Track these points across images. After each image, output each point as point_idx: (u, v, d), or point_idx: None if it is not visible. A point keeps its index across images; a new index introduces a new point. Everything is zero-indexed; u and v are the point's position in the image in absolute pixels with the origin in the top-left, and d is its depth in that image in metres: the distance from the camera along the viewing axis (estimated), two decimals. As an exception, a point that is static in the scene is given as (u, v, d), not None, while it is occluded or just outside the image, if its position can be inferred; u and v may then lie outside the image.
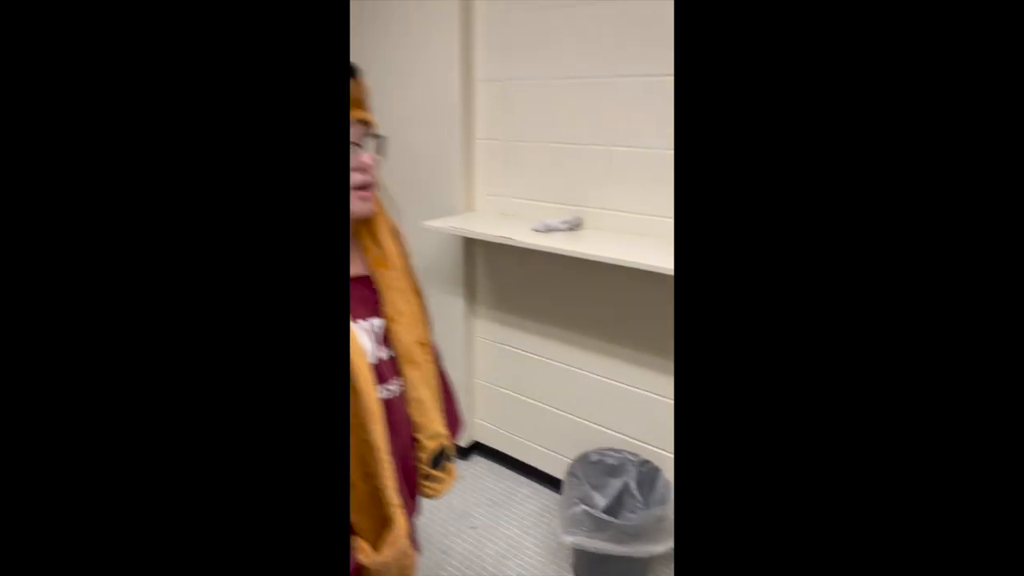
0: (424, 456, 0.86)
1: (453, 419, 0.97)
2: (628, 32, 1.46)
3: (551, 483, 2.05)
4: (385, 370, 0.80)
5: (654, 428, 1.71)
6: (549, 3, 1.57)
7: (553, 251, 1.50)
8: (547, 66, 1.62)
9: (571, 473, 1.68)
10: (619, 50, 1.49)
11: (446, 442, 0.89)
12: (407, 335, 0.80)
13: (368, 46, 1.93)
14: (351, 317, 0.75)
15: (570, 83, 1.59)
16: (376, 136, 0.72)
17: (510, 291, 1.90)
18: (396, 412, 0.80)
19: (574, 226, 1.62)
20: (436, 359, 0.91)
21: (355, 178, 0.69)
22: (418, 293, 0.84)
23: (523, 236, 1.56)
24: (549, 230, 1.60)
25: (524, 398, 2.01)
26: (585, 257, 1.44)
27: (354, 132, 0.68)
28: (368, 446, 0.72)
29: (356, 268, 0.79)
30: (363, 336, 0.77)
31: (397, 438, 0.80)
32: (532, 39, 1.63)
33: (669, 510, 1.51)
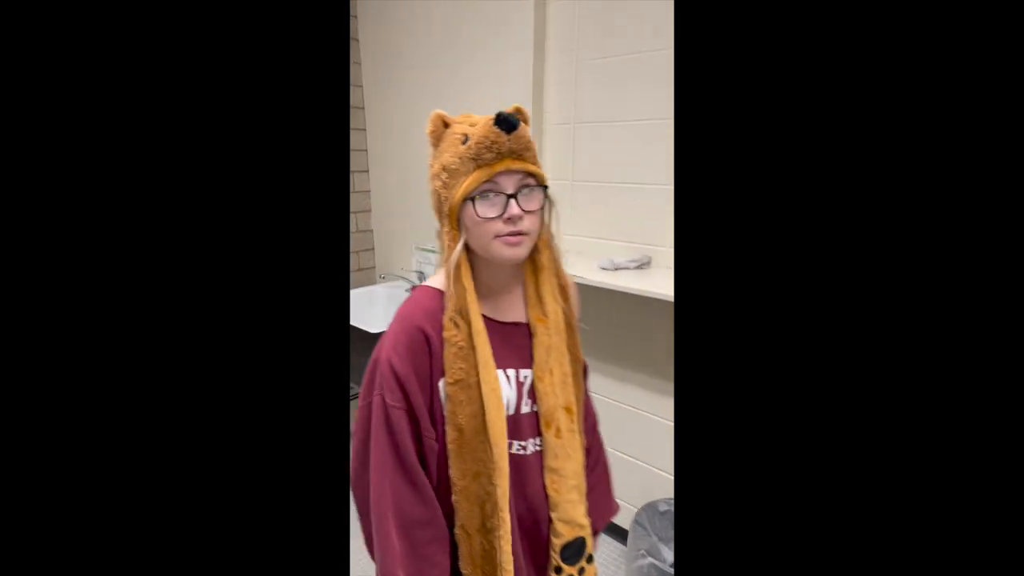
0: (557, 543, 0.77)
1: (600, 506, 0.87)
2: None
3: (616, 533, 1.95)
4: (525, 425, 0.76)
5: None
6: (617, 50, 1.60)
7: (622, 290, 1.48)
8: (613, 109, 1.64)
9: (637, 523, 1.60)
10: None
11: (584, 533, 0.78)
12: (552, 397, 0.75)
13: (444, 86, 2.04)
14: (499, 364, 0.73)
15: (636, 124, 1.60)
16: (540, 187, 0.72)
17: (584, 332, 1.88)
18: (530, 472, 0.76)
19: (643, 264, 1.59)
20: (588, 431, 0.85)
21: (503, 227, 0.69)
22: (576, 357, 0.80)
23: (590, 274, 1.55)
24: (617, 268, 1.58)
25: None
26: (656, 296, 1.41)
27: (510, 182, 0.69)
28: (490, 498, 0.70)
29: (515, 315, 0.77)
30: (505, 385, 0.74)
31: (523, 500, 0.76)
32: (600, 82, 1.66)
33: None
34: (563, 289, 0.78)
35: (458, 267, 0.71)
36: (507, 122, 0.66)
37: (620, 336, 1.77)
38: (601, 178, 1.71)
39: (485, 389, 0.70)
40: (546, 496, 0.77)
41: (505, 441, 0.72)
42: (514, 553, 0.74)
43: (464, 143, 0.68)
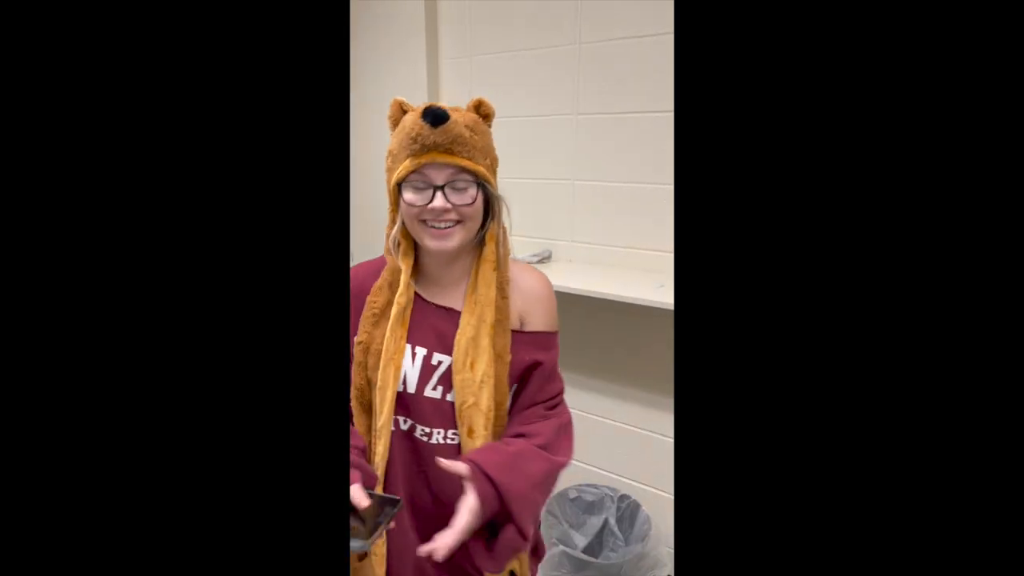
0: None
1: (506, 539, 0.69)
2: (590, 72, 1.50)
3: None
4: (428, 410, 0.75)
5: (633, 462, 1.68)
6: (515, 44, 1.61)
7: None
8: (514, 102, 1.65)
9: (548, 512, 1.63)
10: (581, 87, 1.53)
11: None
12: (467, 392, 0.73)
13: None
14: (411, 340, 0.75)
15: (538, 119, 1.62)
16: (476, 182, 0.72)
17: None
18: (433, 460, 0.72)
19: (543, 258, 1.62)
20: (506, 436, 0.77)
21: (429, 217, 0.71)
22: (500, 356, 0.75)
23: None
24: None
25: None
26: (556, 289, 1.43)
27: (440, 174, 0.70)
28: (373, 464, 0.75)
29: (450, 301, 0.77)
30: (407, 361, 0.75)
31: (424, 484, 0.77)
32: (500, 75, 1.66)
33: (650, 547, 1.47)
34: (501, 284, 0.77)
35: (397, 245, 0.75)
36: (432, 115, 0.67)
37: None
38: (503, 173, 1.72)
39: (384, 358, 0.73)
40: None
41: (389, 414, 0.73)
42: (402, 530, 0.77)
43: (404, 130, 0.71)
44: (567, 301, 1.64)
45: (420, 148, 0.68)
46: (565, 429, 0.80)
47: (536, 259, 1.61)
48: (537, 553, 0.89)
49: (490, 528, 0.70)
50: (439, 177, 0.70)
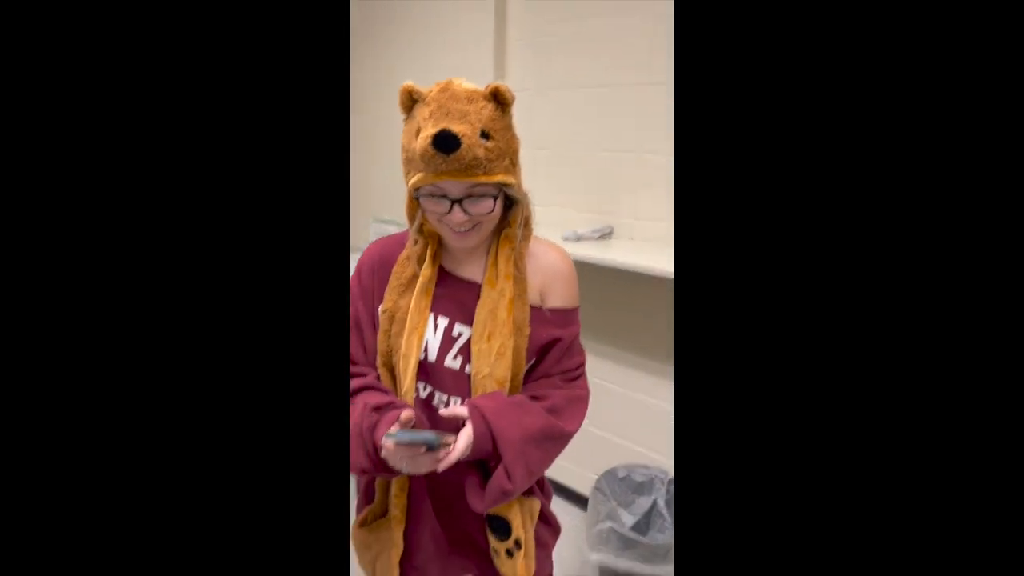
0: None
1: (498, 484, 0.74)
2: (655, 41, 1.45)
3: (576, 500, 2.00)
4: (448, 379, 0.78)
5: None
6: (583, 13, 1.57)
7: (582, 260, 1.48)
8: (577, 75, 1.61)
9: (597, 489, 1.63)
10: (646, 56, 1.47)
11: (508, 515, 0.78)
12: (483, 363, 0.75)
13: (403, 53, 1.97)
14: (434, 310, 0.77)
15: (601, 91, 1.58)
16: (493, 192, 0.71)
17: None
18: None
19: (604, 235, 1.60)
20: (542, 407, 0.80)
21: (454, 221, 0.71)
22: (519, 329, 0.77)
23: (552, 244, 1.55)
24: (579, 239, 1.58)
25: (550, 411, 1.98)
26: (615, 267, 1.41)
27: (457, 188, 0.69)
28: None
29: (472, 274, 0.79)
30: (430, 330, 0.77)
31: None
32: (565, 47, 1.63)
33: (700, 531, 1.46)
34: (518, 259, 0.78)
35: (420, 227, 0.77)
36: (443, 142, 0.65)
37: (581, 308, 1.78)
38: (564, 147, 1.70)
39: (408, 327, 0.76)
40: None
41: (411, 380, 0.76)
42: (418, 495, 0.82)
43: (417, 137, 0.68)
44: (627, 280, 1.61)
45: (434, 171, 0.67)
46: (577, 401, 0.82)
47: (597, 235, 1.59)
48: (550, 524, 0.91)
49: (486, 474, 0.76)
50: (455, 191, 0.69)
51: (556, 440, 0.78)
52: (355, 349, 0.81)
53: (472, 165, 0.67)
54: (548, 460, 0.79)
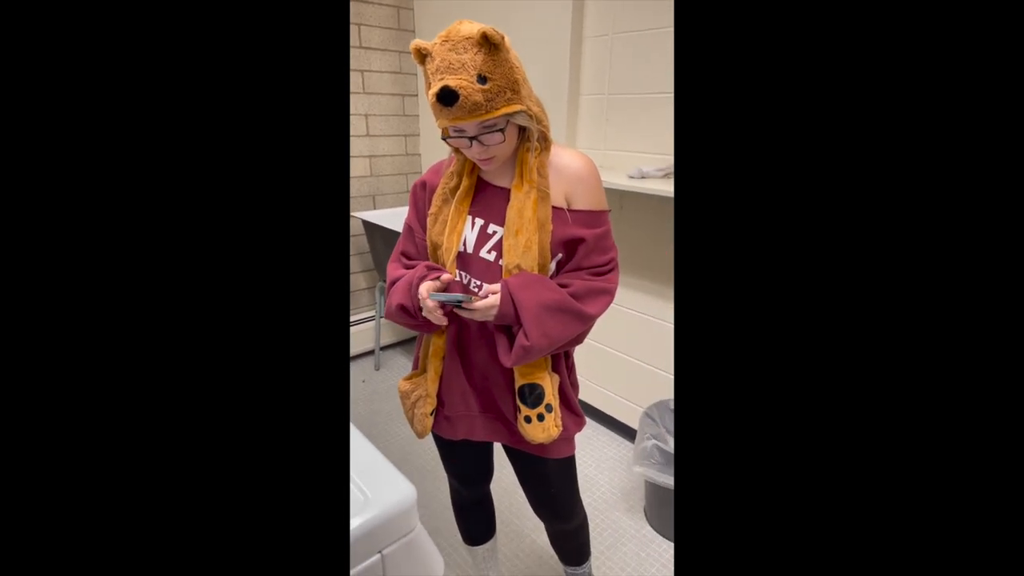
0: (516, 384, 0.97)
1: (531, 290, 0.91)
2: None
3: (625, 431, 2.10)
4: (481, 267, 0.95)
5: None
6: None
7: (647, 193, 1.56)
8: (651, 18, 1.67)
9: (647, 415, 1.73)
10: None
11: (540, 380, 0.94)
12: (512, 255, 0.90)
13: (481, 5, 2.08)
14: (472, 212, 0.95)
15: (663, 32, 1.63)
16: (509, 118, 0.84)
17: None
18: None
19: (667, 174, 1.67)
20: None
21: (472, 154, 0.88)
22: (543, 225, 0.91)
23: (617, 180, 1.64)
24: (643, 176, 1.66)
25: (604, 347, 2.09)
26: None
27: (471, 127, 0.83)
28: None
29: (505, 182, 0.95)
30: (468, 228, 0.95)
31: (478, 335, 0.97)
32: (642, -7, 1.69)
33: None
34: (542, 168, 0.92)
35: (457, 151, 0.94)
36: (446, 100, 0.79)
37: (640, 243, 1.86)
38: (636, 90, 1.77)
39: (449, 226, 0.94)
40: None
41: (452, 265, 0.94)
42: (451, 360, 1.01)
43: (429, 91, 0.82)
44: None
45: (447, 118, 0.82)
46: (600, 292, 0.93)
47: (661, 174, 1.66)
48: (575, 413, 1.03)
49: (512, 339, 0.92)
50: (470, 130, 0.84)
51: (573, 315, 0.90)
52: (408, 246, 1.04)
53: (474, 108, 0.80)
54: (566, 331, 0.90)
